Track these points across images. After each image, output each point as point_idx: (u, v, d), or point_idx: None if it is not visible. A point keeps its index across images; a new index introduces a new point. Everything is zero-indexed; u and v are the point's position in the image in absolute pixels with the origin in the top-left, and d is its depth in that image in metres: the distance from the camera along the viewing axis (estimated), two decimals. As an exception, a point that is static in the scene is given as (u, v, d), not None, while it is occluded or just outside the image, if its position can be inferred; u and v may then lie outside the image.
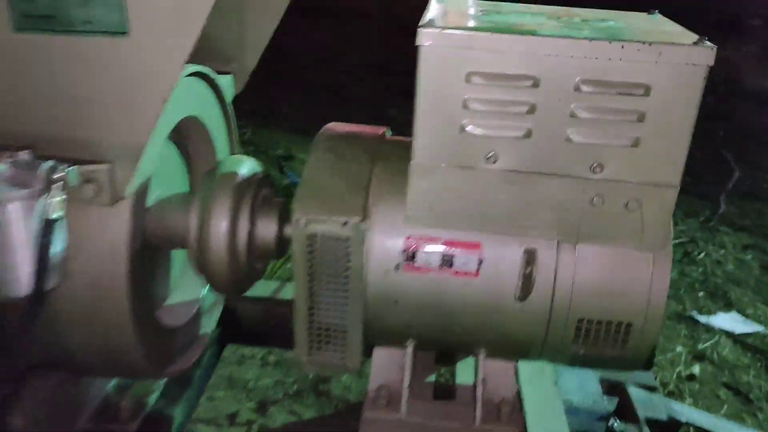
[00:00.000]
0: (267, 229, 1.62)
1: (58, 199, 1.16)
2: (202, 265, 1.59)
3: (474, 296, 1.48)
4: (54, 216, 1.16)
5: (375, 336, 1.59)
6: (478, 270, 1.47)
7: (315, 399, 3.21)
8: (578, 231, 1.43)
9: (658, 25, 1.52)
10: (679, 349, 3.63)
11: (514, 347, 1.56)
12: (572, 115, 1.33)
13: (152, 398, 1.97)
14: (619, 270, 1.44)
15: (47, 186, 1.15)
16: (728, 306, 4.00)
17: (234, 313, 2.30)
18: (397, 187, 1.48)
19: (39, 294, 1.20)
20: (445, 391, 1.76)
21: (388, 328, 1.57)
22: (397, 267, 1.48)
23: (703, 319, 3.83)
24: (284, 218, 1.64)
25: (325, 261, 1.46)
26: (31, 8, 1.17)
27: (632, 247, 1.43)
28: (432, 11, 1.41)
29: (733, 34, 8.73)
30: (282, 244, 1.65)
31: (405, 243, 1.47)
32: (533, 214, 1.42)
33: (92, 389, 1.88)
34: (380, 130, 1.71)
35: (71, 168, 1.18)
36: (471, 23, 1.38)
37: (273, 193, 1.71)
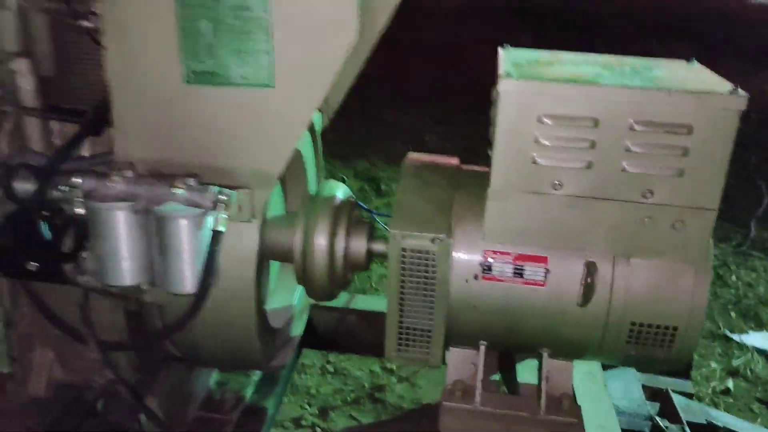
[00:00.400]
0: (358, 244, 1.90)
1: (224, 216, 1.46)
2: (304, 275, 1.88)
3: (541, 302, 1.74)
4: (219, 229, 1.46)
5: (453, 337, 1.86)
6: (545, 280, 1.73)
7: (372, 406, 3.47)
8: (631, 247, 1.69)
9: (697, 73, 1.79)
10: (713, 365, 3.82)
11: (574, 348, 1.82)
12: (627, 150, 1.61)
13: (248, 393, 2.26)
14: (666, 280, 1.70)
15: (214, 206, 1.45)
16: (759, 326, 4.19)
17: (311, 320, 2.58)
18: (475, 209, 1.75)
19: (204, 292, 1.49)
20: (509, 388, 2.03)
21: (466, 330, 1.84)
22: (475, 277, 1.76)
23: (736, 337, 4.02)
24: (371, 236, 1.93)
25: (415, 271, 1.74)
26: (199, 66, 1.47)
27: (677, 261, 1.69)
28: (506, 63, 1.70)
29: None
30: (369, 258, 1.93)
31: (482, 256, 1.75)
32: (593, 232, 1.69)
33: (199, 383, 2.18)
34: (454, 160, 2.00)
35: (233, 192, 1.48)
36: (541, 74, 1.66)
37: (360, 214, 2.00)
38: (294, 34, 1.42)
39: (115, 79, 1.51)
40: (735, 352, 3.94)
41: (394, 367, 3.66)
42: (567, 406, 1.85)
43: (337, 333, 2.71)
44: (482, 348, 1.88)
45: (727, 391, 3.63)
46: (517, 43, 1.90)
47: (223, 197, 1.45)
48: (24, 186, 1.64)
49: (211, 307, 1.66)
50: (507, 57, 1.81)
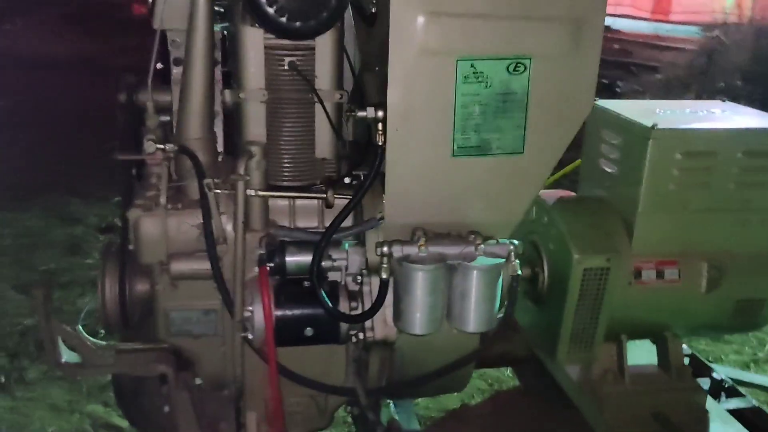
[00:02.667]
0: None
1: (518, 262, 1.77)
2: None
3: (677, 292, 2.26)
4: (518, 272, 1.77)
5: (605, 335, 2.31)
6: (679, 278, 2.26)
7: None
8: (734, 243, 2.28)
9: (739, 110, 2.43)
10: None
11: (698, 325, 2.36)
12: (733, 173, 2.19)
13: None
14: (758, 266, 2.31)
15: (509, 255, 1.76)
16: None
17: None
18: (618, 229, 2.24)
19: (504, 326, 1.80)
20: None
21: (616, 328, 2.30)
22: (629, 283, 2.23)
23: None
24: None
25: (592, 285, 2.17)
26: (466, 142, 1.77)
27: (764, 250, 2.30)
28: (641, 115, 2.20)
29: None
30: None
31: (634, 267, 2.23)
32: (707, 237, 2.25)
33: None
34: (570, 192, 2.46)
35: (519, 242, 1.80)
36: (672, 124, 2.18)
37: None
38: (543, 109, 1.77)
39: (393, 157, 1.76)
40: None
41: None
42: (687, 373, 2.39)
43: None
44: (624, 340, 2.36)
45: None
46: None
47: (514, 247, 1.77)
48: (294, 260, 1.82)
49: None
50: (618, 108, 2.32)
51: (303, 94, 1.92)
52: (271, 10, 1.63)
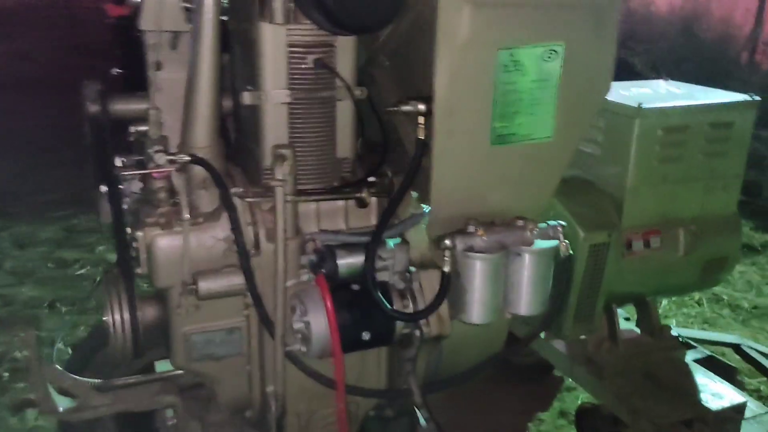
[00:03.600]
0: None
1: (567, 243, 1.81)
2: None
3: (661, 258, 2.45)
4: (571, 252, 1.81)
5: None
6: (661, 246, 2.44)
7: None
8: (701, 209, 2.50)
9: (691, 87, 2.66)
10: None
11: (677, 285, 2.56)
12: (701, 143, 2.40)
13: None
14: (719, 227, 2.55)
15: (556, 236, 1.79)
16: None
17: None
18: (608, 205, 2.38)
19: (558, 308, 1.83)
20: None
21: (610, 297, 2.45)
22: (622, 255, 2.38)
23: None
24: None
25: (595, 260, 2.29)
26: (503, 130, 1.80)
27: (724, 214, 2.54)
28: (627, 97, 2.34)
29: None
30: None
31: (626, 240, 2.38)
32: (683, 205, 2.45)
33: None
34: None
35: (564, 223, 1.84)
36: (652, 103, 2.34)
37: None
38: (570, 94, 1.84)
39: (439, 149, 1.75)
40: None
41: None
42: (668, 332, 2.59)
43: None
44: (615, 309, 2.51)
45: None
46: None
47: (562, 228, 1.82)
48: (345, 262, 1.75)
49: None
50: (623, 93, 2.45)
51: (326, 93, 1.85)
52: (332, 2, 1.54)
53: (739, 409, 2.43)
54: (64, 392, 2.03)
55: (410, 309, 1.81)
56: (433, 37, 1.64)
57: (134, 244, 1.88)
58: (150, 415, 2.40)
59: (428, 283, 1.84)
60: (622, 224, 2.36)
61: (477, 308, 1.74)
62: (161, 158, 1.77)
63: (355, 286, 1.78)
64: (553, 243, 1.76)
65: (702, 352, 2.97)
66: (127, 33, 2.22)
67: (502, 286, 1.75)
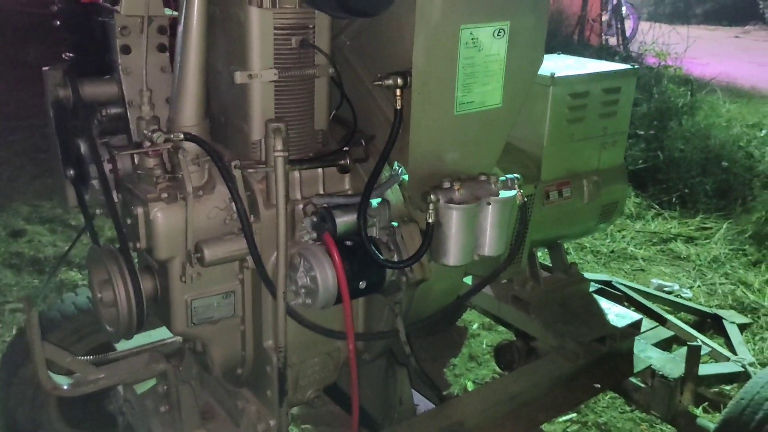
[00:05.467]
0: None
1: (522, 191, 2.14)
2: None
3: (571, 205, 2.88)
4: (524, 201, 2.14)
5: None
6: (571, 194, 2.87)
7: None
8: (599, 162, 2.96)
9: (577, 59, 3.11)
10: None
11: (581, 228, 3.01)
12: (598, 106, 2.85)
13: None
14: (611, 176, 3.03)
15: (513, 186, 2.11)
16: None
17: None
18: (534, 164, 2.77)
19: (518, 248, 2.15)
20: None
21: (531, 242, 2.85)
22: (543, 204, 2.78)
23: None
24: None
25: (525, 208, 2.66)
26: (464, 99, 2.08)
27: (611, 167, 3.03)
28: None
29: None
30: None
31: (545, 192, 2.78)
32: (585, 160, 2.90)
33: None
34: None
35: (518, 176, 2.15)
36: (561, 72, 2.74)
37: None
38: (513, 66, 2.16)
39: (415, 118, 2.00)
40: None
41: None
42: (575, 269, 3.06)
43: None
44: (535, 252, 2.92)
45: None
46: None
47: (518, 180, 2.14)
48: (342, 221, 1.98)
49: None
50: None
51: (307, 71, 2.05)
52: None
53: (637, 325, 2.94)
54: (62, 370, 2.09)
55: (395, 258, 2.07)
56: (413, 18, 1.89)
57: (129, 221, 1.98)
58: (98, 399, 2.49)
59: (408, 235, 2.10)
60: (542, 178, 2.75)
61: (455, 252, 2.04)
62: (160, 137, 1.89)
63: (349, 242, 2.00)
64: (512, 193, 2.09)
65: (594, 285, 3.49)
66: (81, 18, 2.26)
67: (474, 232, 2.06)
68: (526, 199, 2.19)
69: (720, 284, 5.02)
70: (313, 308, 1.98)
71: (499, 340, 3.94)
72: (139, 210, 1.92)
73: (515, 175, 2.14)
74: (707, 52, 11.50)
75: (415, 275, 2.09)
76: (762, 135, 7.10)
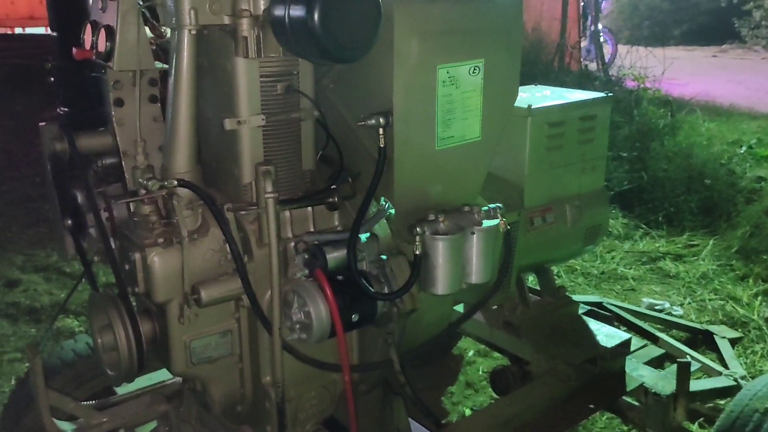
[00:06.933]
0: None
1: (504, 220, 2.22)
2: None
3: (555, 230, 2.96)
4: (508, 227, 2.22)
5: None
6: (555, 221, 2.96)
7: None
8: (579, 187, 3.06)
9: (555, 90, 3.22)
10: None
11: (567, 252, 3.10)
12: (576, 133, 2.95)
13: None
14: (594, 200, 3.13)
15: (496, 216, 2.20)
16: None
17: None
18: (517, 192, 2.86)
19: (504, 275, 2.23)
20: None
21: (518, 268, 2.93)
22: (527, 230, 2.87)
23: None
24: None
25: (510, 236, 2.75)
26: (444, 134, 2.18)
27: (595, 190, 3.13)
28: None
29: None
30: None
31: (528, 218, 2.87)
32: (565, 184, 3.00)
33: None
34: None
35: (501, 205, 2.24)
36: (537, 103, 2.84)
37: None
38: (490, 100, 2.26)
39: (398, 155, 2.10)
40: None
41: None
42: (563, 292, 3.13)
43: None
44: (523, 278, 3.00)
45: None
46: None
47: (500, 209, 2.23)
48: (333, 256, 2.05)
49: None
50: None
51: (293, 115, 2.14)
52: (326, 39, 1.83)
53: (626, 344, 3.01)
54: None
55: (385, 291, 2.14)
56: (391, 61, 2.00)
57: (127, 267, 2.05)
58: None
59: (396, 267, 2.18)
60: (525, 205, 2.84)
61: (443, 281, 2.11)
62: (154, 184, 1.97)
63: (340, 277, 2.08)
64: (496, 221, 2.17)
65: (584, 307, 3.56)
66: (75, 74, 2.36)
67: (461, 261, 2.14)
68: (509, 227, 2.27)
69: (710, 300, 5.10)
70: (309, 343, 2.04)
71: (495, 366, 4.01)
72: (137, 255, 1.99)
73: (497, 204, 2.22)
74: (686, 72, 11.75)
75: (405, 306, 2.16)
76: (742, 152, 7.25)
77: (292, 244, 2.14)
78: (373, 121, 2.04)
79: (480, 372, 4.29)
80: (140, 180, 2.00)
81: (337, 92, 2.28)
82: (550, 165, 2.87)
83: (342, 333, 1.99)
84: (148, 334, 2.11)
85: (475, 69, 2.19)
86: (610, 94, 3.06)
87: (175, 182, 2.00)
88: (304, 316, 2.01)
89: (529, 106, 2.74)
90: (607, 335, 2.99)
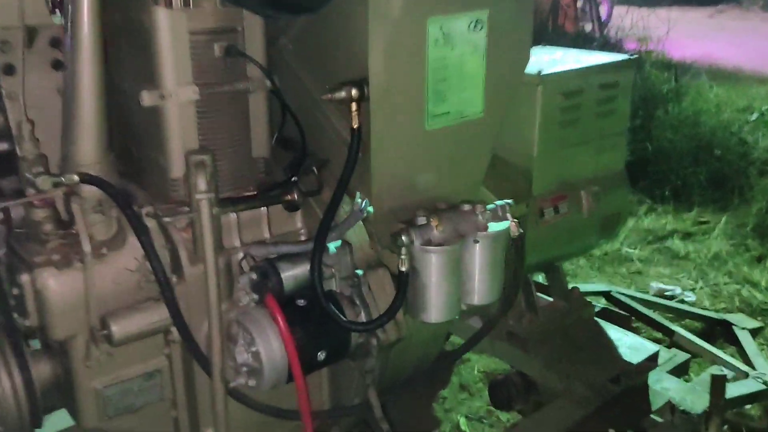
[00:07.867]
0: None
1: (515, 221, 1.71)
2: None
3: (569, 222, 2.46)
4: (520, 231, 1.71)
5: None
6: (568, 210, 2.46)
7: None
8: (594, 169, 2.55)
9: (565, 50, 2.69)
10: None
11: (583, 244, 2.60)
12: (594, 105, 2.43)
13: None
14: (611, 183, 2.62)
15: (505, 216, 1.69)
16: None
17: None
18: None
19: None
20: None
21: (526, 269, 2.43)
22: (537, 224, 2.36)
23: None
24: None
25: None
26: (437, 110, 1.67)
27: (607, 172, 2.62)
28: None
29: None
30: None
31: (538, 209, 2.36)
32: (580, 168, 2.48)
33: None
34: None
35: (510, 202, 1.73)
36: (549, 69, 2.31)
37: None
38: (495, 67, 1.75)
39: (376, 137, 1.58)
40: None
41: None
42: (577, 293, 2.64)
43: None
44: (530, 279, 2.50)
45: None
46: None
47: (509, 206, 1.72)
48: (290, 275, 1.54)
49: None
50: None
51: (238, 86, 1.61)
52: None
53: (654, 358, 2.54)
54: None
55: (362, 317, 1.64)
56: (366, 13, 1.47)
57: (15, 291, 1.53)
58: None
59: (377, 285, 1.67)
60: (533, 193, 2.33)
61: (437, 306, 1.62)
62: (47, 182, 1.44)
63: (301, 301, 1.57)
64: (505, 224, 1.67)
65: (596, 305, 3.09)
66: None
67: (460, 278, 1.63)
68: (521, 231, 1.76)
69: (724, 284, 4.64)
70: (260, 389, 1.54)
71: (492, 365, 3.54)
72: (24, 278, 1.47)
73: (507, 201, 1.71)
74: (682, 35, 11.18)
75: (388, 336, 1.66)
76: (753, 119, 6.75)
77: (240, 255, 1.63)
78: (344, 93, 1.53)
79: (475, 372, 3.82)
80: (27, 175, 1.48)
81: (298, 55, 1.76)
82: (561, 143, 2.36)
83: (301, 379, 1.49)
84: (46, 377, 1.60)
85: (476, 23, 1.67)
86: (634, 56, 2.54)
87: (76, 177, 1.47)
88: (251, 357, 1.51)
89: (539, 72, 2.22)
90: (630, 347, 2.52)
